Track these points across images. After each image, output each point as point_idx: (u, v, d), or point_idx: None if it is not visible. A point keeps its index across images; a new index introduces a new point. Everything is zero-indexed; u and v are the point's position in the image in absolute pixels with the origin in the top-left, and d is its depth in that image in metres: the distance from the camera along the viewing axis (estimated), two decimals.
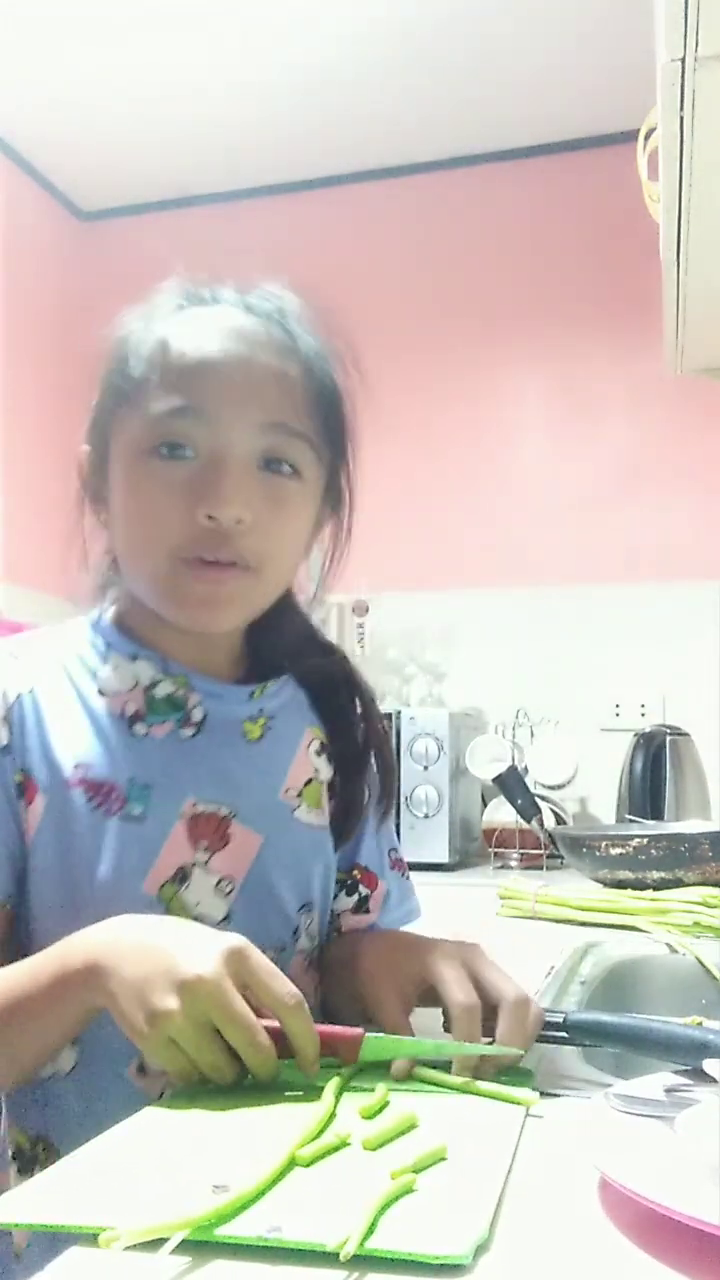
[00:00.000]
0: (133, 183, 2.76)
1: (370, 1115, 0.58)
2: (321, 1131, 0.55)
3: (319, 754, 0.91)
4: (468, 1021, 0.67)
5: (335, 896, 0.91)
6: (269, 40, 2.23)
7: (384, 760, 0.93)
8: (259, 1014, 0.62)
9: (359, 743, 0.92)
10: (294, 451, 0.79)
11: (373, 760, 0.93)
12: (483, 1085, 0.63)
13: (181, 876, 0.79)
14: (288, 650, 0.90)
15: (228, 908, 0.81)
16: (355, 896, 0.92)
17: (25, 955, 0.73)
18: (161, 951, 0.62)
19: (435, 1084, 0.64)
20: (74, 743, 0.79)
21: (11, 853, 0.77)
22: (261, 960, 0.63)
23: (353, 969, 0.79)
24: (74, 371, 3.28)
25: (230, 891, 0.81)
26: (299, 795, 0.87)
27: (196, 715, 0.83)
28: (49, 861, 0.77)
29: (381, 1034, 0.66)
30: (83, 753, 0.79)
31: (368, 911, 0.93)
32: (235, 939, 0.63)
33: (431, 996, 0.72)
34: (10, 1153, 0.79)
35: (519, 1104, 0.60)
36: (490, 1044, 0.67)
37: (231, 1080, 0.61)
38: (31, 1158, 0.78)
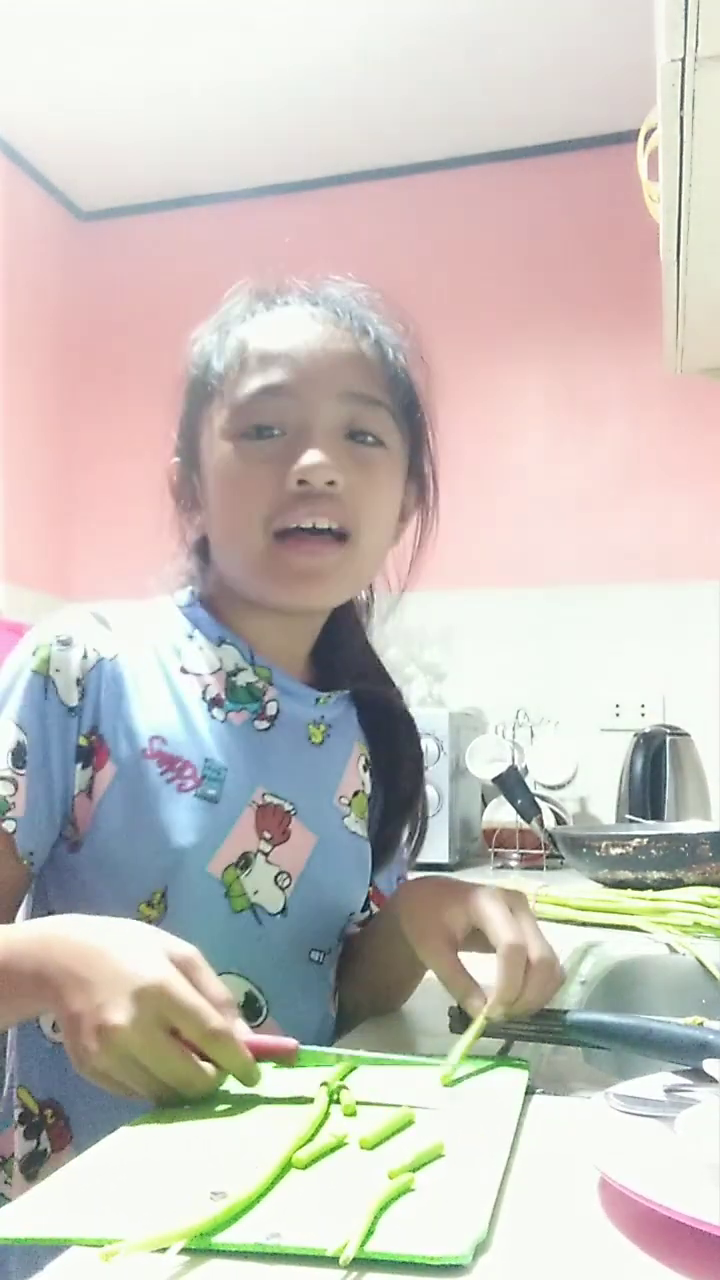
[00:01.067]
0: (133, 183, 2.76)
1: (350, 1113, 0.58)
2: (316, 1132, 0.55)
3: (364, 769, 0.94)
4: (514, 960, 0.69)
5: None
6: (269, 40, 2.23)
7: (422, 810, 0.98)
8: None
9: (408, 791, 0.96)
10: (376, 421, 0.82)
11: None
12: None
13: (244, 862, 0.81)
14: (350, 669, 0.93)
15: (284, 901, 0.83)
16: (366, 913, 0.94)
17: (53, 915, 0.76)
18: (89, 989, 0.59)
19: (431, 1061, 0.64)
20: (154, 714, 0.80)
21: (52, 812, 0.78)
22: (183, 994, 0.58)
23: (398, 913, 0.80)
24: (74, 371, 3.28)
25: (287, 886, 0.83)
26: (349, 804, 0.90)
27: (271, 709, 0.86)
28: (116, 828, 0.78)
29: (313, 1048, 0.65)
30: (162, 726, 0.80)
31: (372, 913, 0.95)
32: (164, 971, 0.59)
33: (477, 940, 0.74)
34: (17, 1114, 0.80)
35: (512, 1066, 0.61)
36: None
37: (206, 1089, 0.59)
38: (39, 1122, 0.79)
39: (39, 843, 0.78)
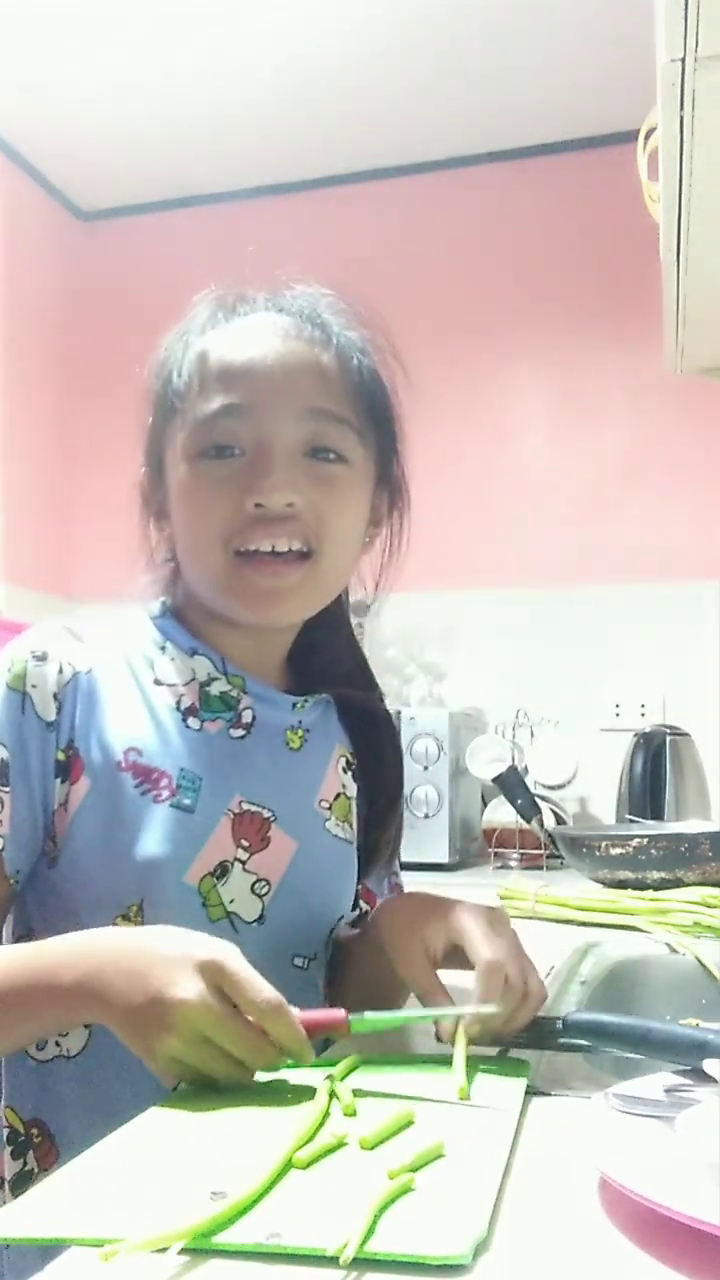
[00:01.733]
0: (133, 183, 2.76)
1: (350, 1113, 0.58)
2: (316, 1133, 0.55)
3: (345, 771, 0.93)
4: (491, 976, 0.68)
5: None
6: (269, 40, 2.23)
7: (400, 811, 0.97)
8: None
9: (392, 792, 0.95)
10: (338, 438, 0.80)
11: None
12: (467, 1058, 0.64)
13: (221, 871, 0.80)
14: (329, 672, 0.92)
15: (261, 908, 0.82)
16: (356, 912, 0.95)
17: (33, 931, 0.76)
18: (145, 980, 0.62)
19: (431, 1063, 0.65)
20: (128, 727, 0.80)
21: (34, 829, 0.78)
22: (239, 968, 0.62)
23: (377, 927, 0.80)
24: (74, 372, 3.27)
25: (266, 893, 0.82)
26: (329, 808, 0.89)
27: (246, 717, 0.85)
28: (91, 841, 0.78)
29: (365, 1013, 0.66)
30: (136, 738, 0.80)
31: (364, 913, 0.95)
32: (215, 952, 0.62)
33: (456, 957, 0.73)
34: (5, 1134, 0.80)
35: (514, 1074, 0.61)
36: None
37: (249, 1078, 0.62)
38: (25, 1141, 0.79)
39: (24, 861, 0.78)
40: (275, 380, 0.78)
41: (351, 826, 0.92)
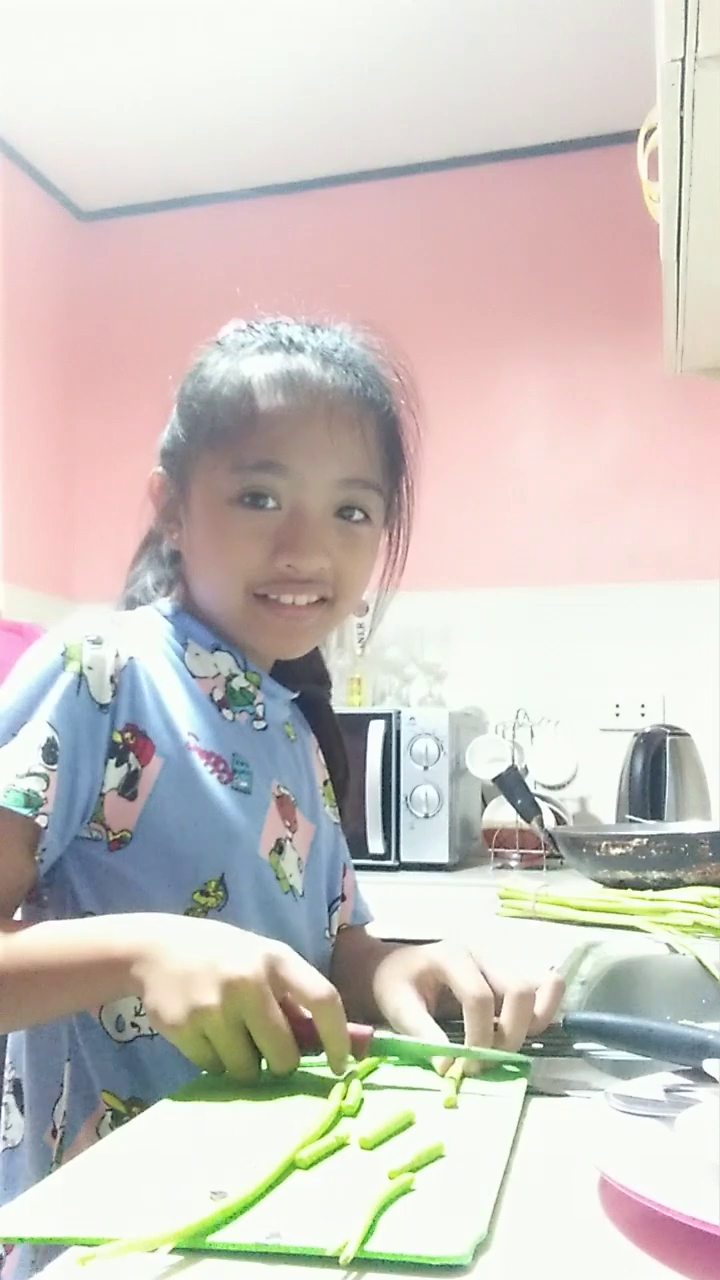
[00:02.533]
0: (133, 183, 2.76)
1: (352, 1113, 0.58)
2: (330, 1129, 0.55)
3: (321, 759, 1.01)
4: (480, 1014, 0.69)
5: None
6: (269, 40, 2.23)
7: (346, 792, 1.04)
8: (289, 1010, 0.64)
9: (339, 776, 1.03)
10: (367, 501, 0.85)
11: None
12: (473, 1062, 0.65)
13: (279, 847, 0.87)
14: (303, 672, 0.96)
15: (304, 884, 0.89)
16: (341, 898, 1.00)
17: (99, 913, 0.78)
18: (206, 950, 0.65)
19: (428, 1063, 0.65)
20: (184, 714, 0.84)
21: (71, 813, 0.78)
22: (299, 964, 0.65)
23: (367, 979, 0.81)
24: (74, 371, 3.27)
25: (303, 870, 0.89)
26: (324, 794, 0.98)
27: (261, 711, 0.91)
28: (172, 816, 0.80)
29: (388, 1034, 0.67)
30: (193, 725, 0.84)
31: (344, 898, 1.00)
32: (277, 945, 0.66)
33: (448, 1000, 0.74)
34: (108, 1116, 0.80)
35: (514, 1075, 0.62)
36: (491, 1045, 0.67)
37: (252, 1079, 0.63)
38: (129, 1120, 0.80)
39: (55, 845, 0.78)
40: (320, 447, 0.81)
41: (335, 809, 0.99)
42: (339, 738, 1.03)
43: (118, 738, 0.80)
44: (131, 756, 0.80)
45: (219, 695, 0.87)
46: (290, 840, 0.88)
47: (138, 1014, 0.79)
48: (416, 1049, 0.67)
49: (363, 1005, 0.78)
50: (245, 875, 0.82)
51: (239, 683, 0.89)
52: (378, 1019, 0.76)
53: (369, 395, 0.85)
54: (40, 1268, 0.43)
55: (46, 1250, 0.45)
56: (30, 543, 2.65)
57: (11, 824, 0.75)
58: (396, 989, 0.76)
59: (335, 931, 0.96)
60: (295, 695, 0.95)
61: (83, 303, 2.85)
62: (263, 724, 0.90)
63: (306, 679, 0.97)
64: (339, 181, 2.70)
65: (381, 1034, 0.67)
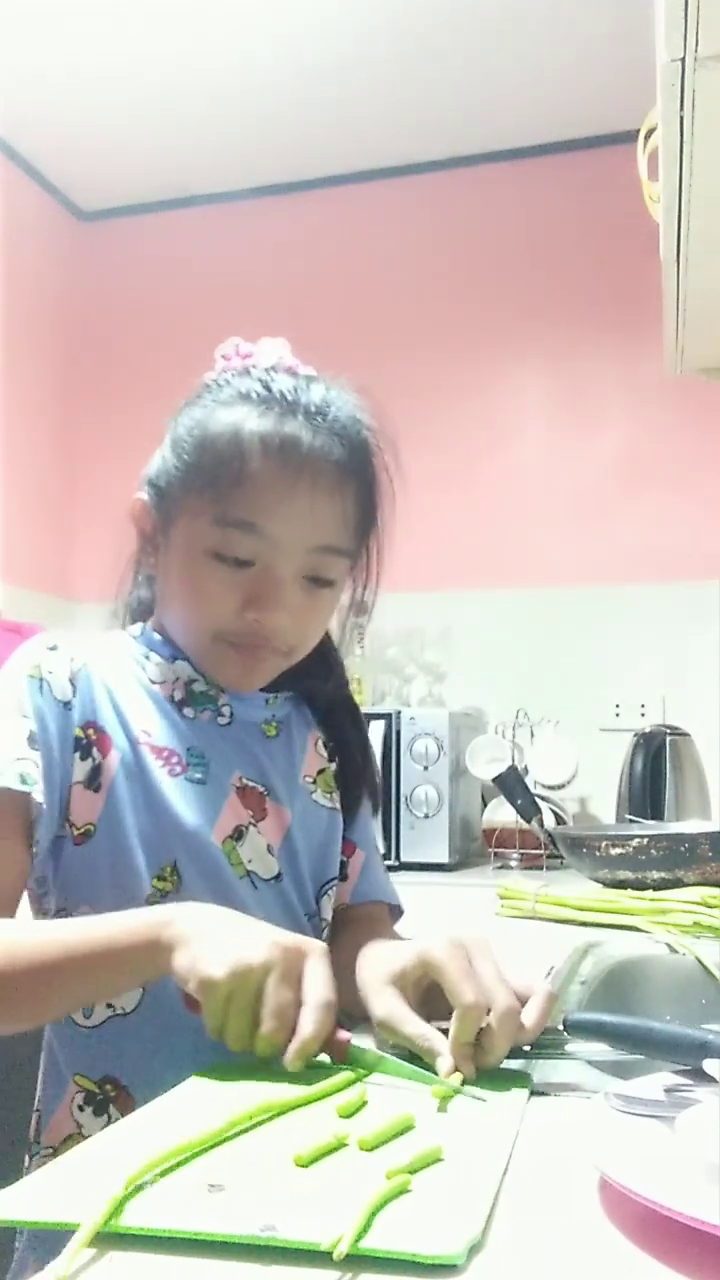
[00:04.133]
0: (133, 183, 2.76)
1: (348, 1114, 0.58)
2: (355, 1112, 0.56)
3: (322, 750, 1.03)
4: (471, 1022, 0.67)
5: None
6: (269, 40, 2.23)
7: (375, 771, 1.08)
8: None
9: (359, 763, 1.05)
10: (335, 567, 0.90)
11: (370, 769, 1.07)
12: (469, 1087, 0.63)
13: (238, 834, 0.90)
14: (292, 672, 0.97)
15: (278, 867, 0.92)
16: (343, 880, 1.02)
17: (66, 913, 0.83)
18: (254, 925, 0.70)
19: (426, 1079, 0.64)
20: (136, 714, 0.89)
21: (52, 802, 0.83)
22: (324, 966, 0.68)
23: (352, 972, 0.80)
24: (74, 371, 3.27)
25: (275, 855, 0.92)
26: (314, 781, 1.00)
27: (226, 711, 0.95)
28: (129, 805, 0.86)
29: (366, 1049, 0.67)
30: (145, 724, 0.89)
31: (345, 878, 1.02)
32: (317, 942, 0.70)
33: (437, 999, 0.72)
34: (79, 1099, 0.85)
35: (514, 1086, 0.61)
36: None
37: (241, 1050, 0.65)
38: (103, 1100, 0.84)
39: (45, 833, 0.83)
40: (300, 515, 0.85)
41: (334, 795, 1.01)
42: (354, 726, 1.06)
43: (79, 734, 0.86)
44: (95, 751, 0.86)
45: (179, 695, 0.92)
46: (254, 826, 0.91)
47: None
48: (390, 1067, 0.66)
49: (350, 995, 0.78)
50: (197, 861, 0.86)
51: (199, 686, 0.93)
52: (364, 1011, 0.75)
53: (353, 463, 0.89)
54: (38, 1255, 0.43)
55: (45, 1242, 0.45)
56: (30, 543, 2.65)
57: (12, 804, 0.80)
58: (380, 991, 0.74)
59: (326, 913, 0.97)
60: (275, 697, 0.97)
61: (83, 303, 2.86)
62: (227, 721, 0.94)
63: (299, 676, 0.98)
64: (339, 181, 2.70)
65: (356, 1046, 0.67)
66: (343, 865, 1.01)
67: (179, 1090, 0.63)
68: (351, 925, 0.97)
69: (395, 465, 0.93)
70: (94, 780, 0.86)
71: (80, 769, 0.85)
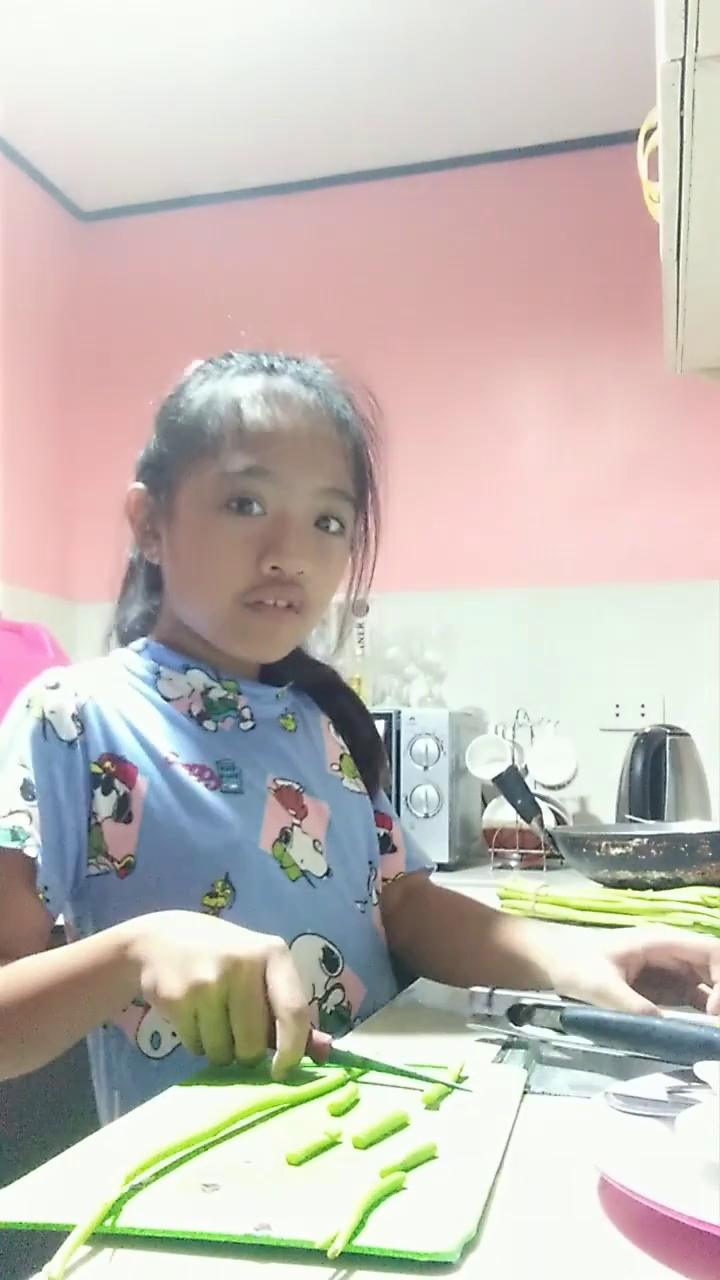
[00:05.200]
0: (133, 183, 2.76)
1: (339, 1113, 0.58)
2: (347, 1109, 0.56)
3: (337, 734, 1.05)
4: None
5: None
6: (269, 40, 2.23)
7: (378, 748, 1.11)
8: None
9: (368, 737, 1.08)
10: (343, 511, 0.91)
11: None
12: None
13: (285, 837, 0.91)
14: (287, 662, 1.00)
15: (326, 864, 0.93)
16: (380, 834, 1.05)
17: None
18: (207, 933, 0.68)
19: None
20: (159, 737, 0.89)
21: (63, 845, 0.82)
22: (289, 969, 0.66)
23: (545, 974, 0.85)
24: (74, 371, 3.27)
25: (322, 851, 0.93)
26: (339, 768, 1.02)
27: (247, 714, 0.96)
28: (169, 829, 0.85)
29: (348, 1051, 0.67)
30: (170, 744, 0.89)
31: (394, 850, 1.06)
32: (277, 941, 0.67)
33: (642, 986, 0.79)
34: None
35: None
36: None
37: (223, 1062, 0.65)
38: None
39: (55, 880, 0.81)
40: (303, 455, 0.87)
41: (357, 779, 1.03)
42: (356, 708, 1.08)
43: (96, 769, 0.85)
44: (117, 783, 0.85)
45: (197, 709, 0.92)
46: (298, 826, 0.92)
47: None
48: (376, 1065, 0.66)
49: (454, 970, 0.88)
50: (249, 870, 0.86)
51: (216, 693, 0.94)
52: (471, 983, 0.77)
53: (344, 418, 0.91)
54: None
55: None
56: (30, 543, 2.65)
57: (8, 862, 0.79)
58: (600, 967, 0.79)
59: (373, 896, 0.99)
60: (281, 689, 0.99)
61: (83, 303, 2.86)
62: (250, 724, 0.95)
63: (289, 665, 1.00)
64: (339, 181, 2.70)
65: (338, 1049, 0.67)
66: (387, 839, 1.05)
67: (169, 1094, 0.62)
68: (423, 894, 1.03)
69: (381, 435, 0.95)
70: (123, 812, 0.85)
71: (105, 804, 0.85)
